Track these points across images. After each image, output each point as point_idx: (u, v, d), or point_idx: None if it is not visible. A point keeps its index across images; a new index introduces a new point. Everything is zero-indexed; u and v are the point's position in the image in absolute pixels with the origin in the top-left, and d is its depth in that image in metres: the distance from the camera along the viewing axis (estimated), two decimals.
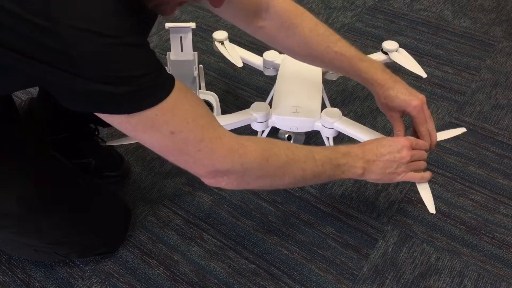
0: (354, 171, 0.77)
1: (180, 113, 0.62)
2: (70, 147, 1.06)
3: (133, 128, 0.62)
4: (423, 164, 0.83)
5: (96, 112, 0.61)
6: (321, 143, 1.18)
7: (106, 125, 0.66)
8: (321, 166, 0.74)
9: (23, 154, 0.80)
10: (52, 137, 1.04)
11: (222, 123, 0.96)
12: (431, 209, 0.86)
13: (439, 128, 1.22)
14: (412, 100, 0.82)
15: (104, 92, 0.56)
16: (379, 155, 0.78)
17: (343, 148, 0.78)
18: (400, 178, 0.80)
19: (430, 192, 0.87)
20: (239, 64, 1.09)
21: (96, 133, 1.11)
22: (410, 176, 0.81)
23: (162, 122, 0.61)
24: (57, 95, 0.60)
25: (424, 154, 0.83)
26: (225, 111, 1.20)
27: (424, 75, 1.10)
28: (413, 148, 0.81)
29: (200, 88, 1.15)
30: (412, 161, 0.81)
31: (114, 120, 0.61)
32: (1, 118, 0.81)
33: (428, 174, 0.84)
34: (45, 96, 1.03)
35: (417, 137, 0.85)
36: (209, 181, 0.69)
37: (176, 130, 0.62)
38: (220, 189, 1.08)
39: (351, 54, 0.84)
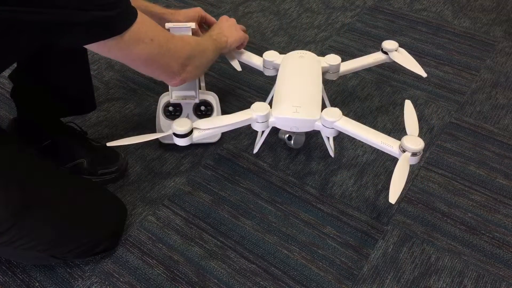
0: (223, 40, 1.04)
1: (150, 23, 0.79)
2: (58, 152, 1.07)
3: (127, 46, 0.75)
4: (240, 26, 1.14)
5: (97, 41, 0.71)
6: (321, 142, 1.18)
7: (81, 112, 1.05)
8: (210, 40, 1.01)
9: (5, 161, 0.80)
10: (36, 146, 1.05)
11: (222, 123, 0.97)
12: (392, 198, 0.83)
13: (439, 129, 1.23)
14: (196, 10, 1.12)
15: (103, 17, 0.68)
16: (222, 29, 1.07)
17: (207, 34, 1.05)
18: (242, 33, 1.10)
19: (404, 180, 0.85)
20: (238, 68, 1.14)
21: (85, 134, 1.13)
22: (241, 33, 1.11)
23: (143, 32, 0.77)
24: (61, 36, 0.69)
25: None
26: (225, 111, 1.20)
27: (424, 75, 1.10)
28: (227, 17, 1.12)
29: (200, 88, 1.15)
30: None
31: (112, 47, 0.73)
32: None
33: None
34: (25, 110, 1.07)
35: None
36: (180, 77, 0.88)
37: (153, 37, 0.78)
38: (220, 189, 1.08)
39: (161, 10, 1.08)
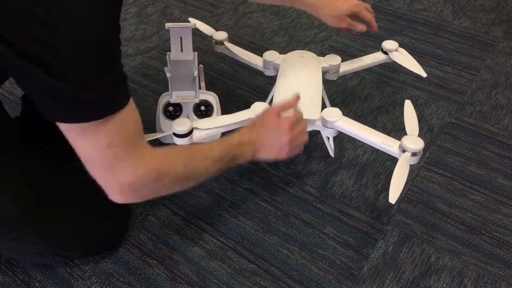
0: (246, 158, 0.86)
1: (125, 127, 0.63)
2: (65, 153, 1.07)
3: (77, 135, 0.62)
4: (303, 139, 0.90)
5: (57, 121, 0.61)
6: (321, 142, 1.18)
7: None
8: (219, 162, 0.81)
9: (19, 159, 0.80)
10: (45, 147, 1.05)
11: (222, 123, 0.97)
12: (392, 198, 0.83)
13: (439, 129, 1.23)
14: (351, 1, 1.00)
15: (77, 97, 0.57)
16: (264, 141, 0.86)
17: (235, 138, 0.85)
18: (285, 157, 0.88)
19: (404, 180, 0.85)
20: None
21: None
22: (292, 152, 0.89)
23: (105, 132, 0.61)
24: (30, 94, 0.60)
25: (303, 127, 0.90)
26: (225, 111, 1.20)
27: (424, 75, 1.10)
28: (293, 124, 0.87)
29: (200, 88, 1.15)
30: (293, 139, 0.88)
31: (63, 125, 0.61)
32: None
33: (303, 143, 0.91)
34: (30, 110, 1.05)
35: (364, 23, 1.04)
36: (118, 198, 0.70)
37: (113, 144, 0.63)
38: (220, 189, 1.08)
39: None
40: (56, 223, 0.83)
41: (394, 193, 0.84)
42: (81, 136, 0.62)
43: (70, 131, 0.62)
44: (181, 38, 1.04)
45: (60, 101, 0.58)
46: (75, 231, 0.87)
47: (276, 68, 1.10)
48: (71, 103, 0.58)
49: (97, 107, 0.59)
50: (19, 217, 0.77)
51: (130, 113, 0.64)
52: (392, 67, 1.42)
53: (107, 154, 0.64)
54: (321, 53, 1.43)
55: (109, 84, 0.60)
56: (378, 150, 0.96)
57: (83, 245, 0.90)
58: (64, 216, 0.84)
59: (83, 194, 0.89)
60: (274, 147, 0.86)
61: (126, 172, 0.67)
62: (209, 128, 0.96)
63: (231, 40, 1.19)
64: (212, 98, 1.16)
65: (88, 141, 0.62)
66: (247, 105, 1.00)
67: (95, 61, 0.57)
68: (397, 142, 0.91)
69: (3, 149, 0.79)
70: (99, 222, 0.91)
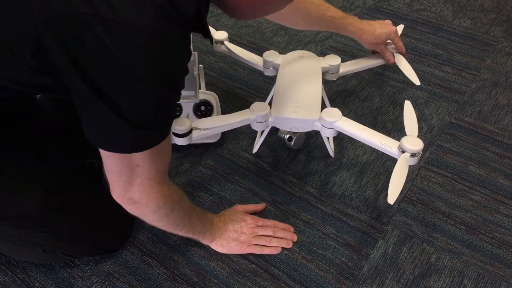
0: (205, 239, 0.93)
1: (158, 155, 0.68)
2: (73, 149, 1.07)
3: (112, 155, 0.66)
4: (265, 239, 0.95)
5: (99, 147, 0.65)
6: (321, 142, 1.18)
7: None
8: (199, 225, 0.89)
9: (47, 158, 0.85)
10: (59, 138, 1.05)
11: (222, 123, 0.97)
12: (391, 198, 0.84)
13: (439, 129, 1.23)
14: (389, 29, 1.09)
15: (128, 133, 0.61)
16: (226, 237, 0.93)
17: (210, 215, 0.93)
18: (242, 251, 0.95)
19: (403, 181, 0.86)
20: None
21: None
22: (250, 250, 0.94)
23: (140, 158, 0.66)
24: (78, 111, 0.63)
25: (268, 231, 0.96)
26: (225, 111, 1.20)
27: (418, 83, 1.09)
28: (258, 226, 0.96)
29: (200, 88, 1.15)
30: (254, 236, 0.95)
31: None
32: (28, 125, 0.85)
33: (268, 250, 0.95)
34: (43, 103, 1.07)
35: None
36: (117, 199, 0.75)
37: (141, 165, 0.68)
38: (220, 189, 1.08)
39: (339, 15, 1.08)
40: (72, 222, 0.87)
41: (393, 194, 0.84)
42: (116, 157, 0.66)
43: (107, 153, 0.66)
44: None
45: (110, 132, 0.62)
46: (84, 233, 0.90)
47: (276, 68, 1.10)
48: (121, 137, 0.62)
49: (142, 142, 0.64)
50: (38, 214, 0.81)
51: (165, 144, 0.68)
52: (392, 67, 1.42)
53: (133, 171, 0.68)
54: (321, 53, 1.43)
55: (160, 124, 0.65)
56: (378, 150, 0.96)
57: (93, 242, 0.92)
58: (74, 221, 0.87)
59: (97, 199, 0.91)
60: (232, 242, 0.94)
61: (139, 192, 0.72)
62: (209, 128, 0.96)
63: (231, 40, 1.19)
64: (212, 98, 1.16)
65: (121, 163, 0.67)
66: (247, 105, 1.00)
67: (157, 107, 0.62)
68: (397, 143, 0.91)
69: (36, 154, 0.83)
70: (107, 224, 0.93)
